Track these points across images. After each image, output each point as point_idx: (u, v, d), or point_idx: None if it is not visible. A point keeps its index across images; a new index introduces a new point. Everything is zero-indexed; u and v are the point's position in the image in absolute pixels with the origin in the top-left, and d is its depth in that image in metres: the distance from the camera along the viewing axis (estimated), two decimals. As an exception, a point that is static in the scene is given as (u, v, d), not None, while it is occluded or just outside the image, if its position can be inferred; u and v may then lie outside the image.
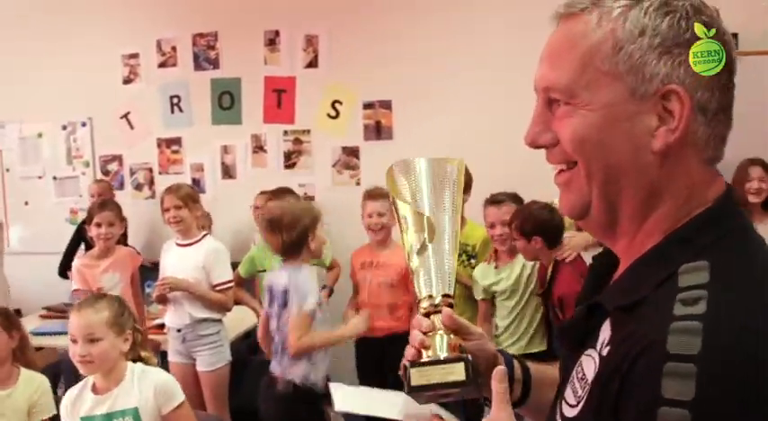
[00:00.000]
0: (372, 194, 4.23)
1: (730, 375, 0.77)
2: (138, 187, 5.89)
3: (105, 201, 4.33)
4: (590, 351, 0.96)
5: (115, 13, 5.82)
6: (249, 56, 5.66)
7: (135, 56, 5.81)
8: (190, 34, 5.73)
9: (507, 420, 1.05)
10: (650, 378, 0.79)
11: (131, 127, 5.87)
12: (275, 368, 3.38)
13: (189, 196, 3.96)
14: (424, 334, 1.12)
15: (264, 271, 4.24)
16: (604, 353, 0.91)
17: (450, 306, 1.14)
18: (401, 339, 3.75)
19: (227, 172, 5.79)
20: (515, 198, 3.91)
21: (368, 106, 5.56)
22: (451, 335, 1.11)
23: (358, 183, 5.55)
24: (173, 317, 3.94)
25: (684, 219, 0.94)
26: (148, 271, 4.64)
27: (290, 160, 5.69)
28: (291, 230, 3.31)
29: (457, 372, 1.06)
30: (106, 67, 5.84)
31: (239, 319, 4.39)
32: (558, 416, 1.00)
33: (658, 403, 0.77)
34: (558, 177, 1.02)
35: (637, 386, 0.81)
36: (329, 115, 5.61)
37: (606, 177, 0.95)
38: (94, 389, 2.64)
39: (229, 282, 3.98)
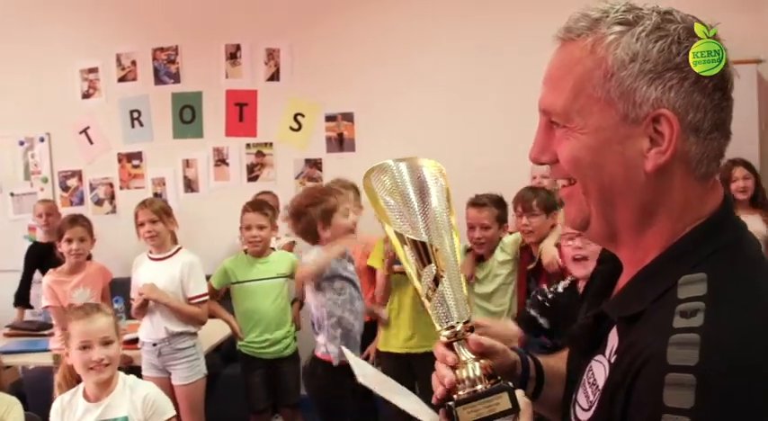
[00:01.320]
0: (345, 185, 4.33)
1: (727, 384, 0.82)
2: (99, 203, 5.83)
3: (76, 217, 4.28)
4: (599, 357, 1.02)
5: (73, 27, 5.77)
6: (210, 70, 5.68)
7: (94, 70, 5.77)
8: (150, 48, 5.71)
9: None
10: (653, 388, 0.84)
11: (91, 142, 5.82)
12: None
13: (163, 210, 3.97)
14: (453, 368, 1.12)
15: (238, 282, 4.24)
16: (613, 360, 0.97)
17: (472, 329, 1.15)
18: (368, 327, 3.84)
19: (190, 185, 5.78)
20: (499, 202, 3.93)
21: (330, 119, 5.62)
22: (481, 361, 1.12)
23: (321, 195, 5.60)
24: (148, 331, 3.92)
25: (681, 233, 0.97)
26: (116, 286, 4.61)
27: (253, 173, 5.72)
28: (298, 222, 3.64)
29: (503, 403, 1.07)
30: (64, 82, 5.80)
31: (211, 332, 4.38)
32: (572, 418, 1.06)
33: (661, 411, 0.83)
34: (562, 191, 1.07)
35: (641, 396, 0.86)
36: (292, 128, 5.66)
37: (601, 196, 1.00)
38: (86, 397, 2.68)
39: (205, 294, 3.98)
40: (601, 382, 0.99)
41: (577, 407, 1.05)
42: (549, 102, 1.02)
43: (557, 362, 1.30)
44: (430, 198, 1.19)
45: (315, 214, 3.52)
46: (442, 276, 1.15)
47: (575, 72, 0.99)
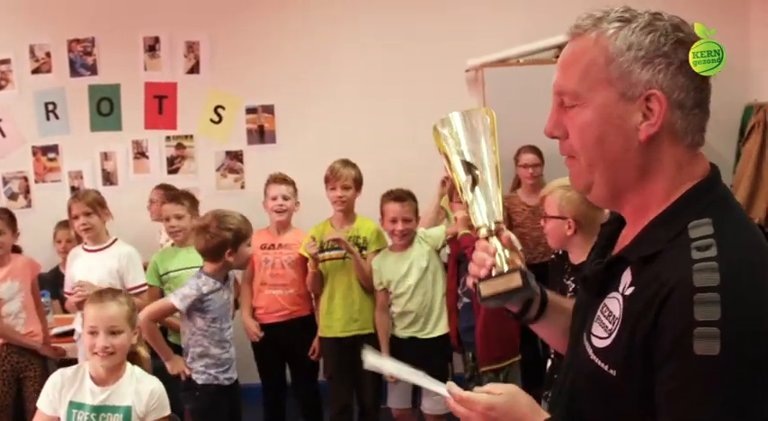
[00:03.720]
0: (277, 179, 4.46)
1: (744, 297, 1.05)
2: (13, 197, 5.69)
3: (-4, 210, 4.20)
4: (613, 294, 1.23)
5: (-18, 18, 5.62)
6: (128, 62, 5.63)
7: (6, 61, 5.62)
8: (65, 40, 5.61)
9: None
10: (683, 307, 1.06)
11: (3, 135, 5.67)
12: None
13: (96, 201, 3.96)
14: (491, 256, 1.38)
15: (167, 273, 4.26)
16: (627, 293, 1.19)
17: (502, 228, 1.41)
18: (301, 325, 4.18)
19: (109, 178, 5.72)
20: (413, 196, 4.08)
21: (251, 111, 5.69)
22: (507, 252, 1.38)
23: (242, 187, 5.68)
24: (86, 322, 3.92)
25: (678, 190, 1.20)
26: (44, 280, 4.57)
27: (173, 165, 5.72)
28: (203, 239, 3.55)
29: (515, 280, 1.34)
30: (-26, 74, 5.63)
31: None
32: (589, 351, 1.25)
33: (693, 325, 1.04)
34: (566, 162, 1.31)
35: (672, 316, 1.07)
36: (212, 120, 5.69)
37: (605, 163, 1.23)
38: (92, 378, 2.69)
39: (144, 285, 4.02)
40: (617, 313, 1.19)
41: (593, 338, 1.24)
42: (561, 84, 1.26)
43: (564, 299, 1.55)
44: (476, 132, 1.47)
45: (227, 237, 3.52)
46: (477, 186, 1.42)
47: (582, 59, 1.22)
